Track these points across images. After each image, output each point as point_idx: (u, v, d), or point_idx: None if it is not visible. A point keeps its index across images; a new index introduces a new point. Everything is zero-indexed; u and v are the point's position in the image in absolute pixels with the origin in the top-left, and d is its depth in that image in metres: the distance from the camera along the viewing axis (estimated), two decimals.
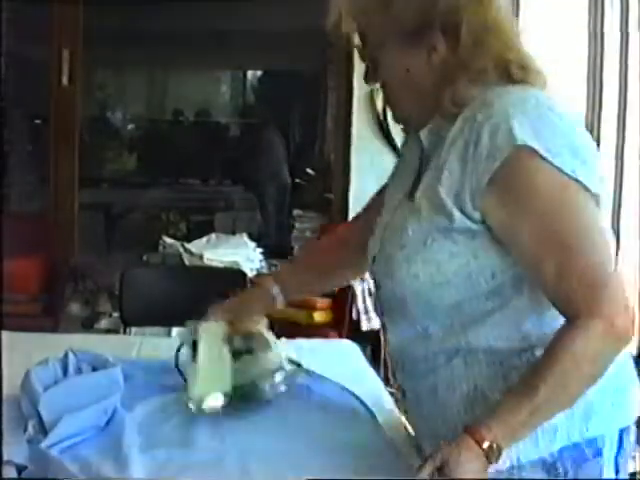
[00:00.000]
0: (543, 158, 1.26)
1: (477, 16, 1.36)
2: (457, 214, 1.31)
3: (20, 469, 1.37)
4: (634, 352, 2.99)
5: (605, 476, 1.38)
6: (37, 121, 5.93)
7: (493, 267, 1.33)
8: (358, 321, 3.86)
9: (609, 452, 1.39)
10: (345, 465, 1.42)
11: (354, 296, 3.89)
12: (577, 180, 1.27)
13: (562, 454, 1.35)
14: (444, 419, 1.39)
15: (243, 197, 8.39)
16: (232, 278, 3.42)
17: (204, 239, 4.31)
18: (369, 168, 4.56)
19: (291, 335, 2.34)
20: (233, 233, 4.94)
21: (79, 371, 1.71)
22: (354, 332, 3.70)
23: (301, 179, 7.99)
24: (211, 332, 1.68)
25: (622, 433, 1.40)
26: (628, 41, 3.43)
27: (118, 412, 1.58)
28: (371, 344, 3.89)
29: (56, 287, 4.48)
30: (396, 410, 1.80)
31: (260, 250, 4.32)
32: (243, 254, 4.19)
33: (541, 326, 1.34)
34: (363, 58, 1.46)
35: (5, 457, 1.35)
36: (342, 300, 3.92)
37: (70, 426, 1.48)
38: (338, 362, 2.06)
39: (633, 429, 1.44)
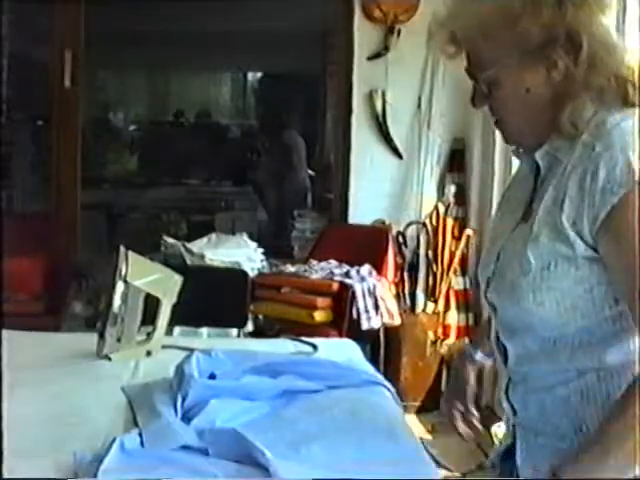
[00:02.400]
0: None
1: (597, 31, 1.34)
2: (578, 241, 1.30)
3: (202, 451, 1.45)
4: None
5: None
6: (39, 122, 5.94)
7: (617, 293, 1.32)
8: (358, 320, 3.88)
9: None
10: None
11: (354, 296, 3.91)
12: None
13: None
14: (574, 424, 1.37)
15: (243, 197, 8.42)
16: (233, 278, 3.45)
17: (205, 239, 4.33)
18: (369, 168, 4.58)
19: (292, 334, 2.37)
20: (233, 233, 4.96)
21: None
22: (354, 331, 3.72)
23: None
24: None
25: None
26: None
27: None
28: (371, 343, 3.92)
29: (59, 286, 4.50)
30: (397, 407, 1.83)
31: (261, 250, 4.34)
32: (244, 254, 4.20)
33: None
34: (473, 78, 1.42)
35: (179, 443, 1.44)
36: (342, 299, 3.94)
37: (217, 412, 1.56)
38: (338, 361, 2.08)
39: None
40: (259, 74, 11.00)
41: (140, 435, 1.51)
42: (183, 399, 1.61)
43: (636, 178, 1.25)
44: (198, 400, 1.61)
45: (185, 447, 1.47)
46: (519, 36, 1.33)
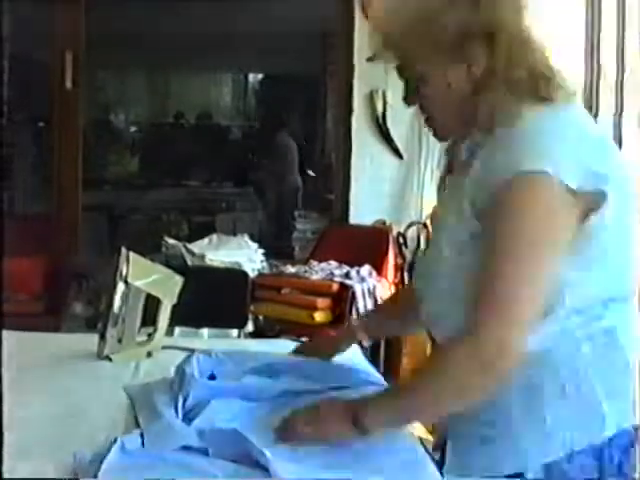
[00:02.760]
0: (547, 181, 1.30)
1: (513, 27, 1.40)
2: (475, 222, 1.37)
3: (202, 451, 1.44)
4: None
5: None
6: (40, 124, 5.96)
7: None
8: None
9: None
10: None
11: (354, 296, 3.91)
12: (573, 191, 1.31)
13: (611, 441, 1.38)
14: (497, 411, 1.41)
15: (244, 198, 8.44)
16: (234, 279, 3.45)
17: (206, 240, 4.34)
18: (369, 169, 4.59)
19: (293, 335, 2.37)
20: (234, 234, 4.97)
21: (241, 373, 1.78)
22: None
23: (302, 180, 8.03)
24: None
25: None
26: (625, 29, 3.41)
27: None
28: (371, 343, 3.92)
29: (59, 287, 4.51)
30: None
31: (262, 251, 4.34)
32: (245, 255, 4.21)
33: (589, 320, 1.37)
34: (403, 78, 1.48)
35: (180, 443, 1.44)
36: (342, 300, 3.95)
37: (217, 412, 1.56)
38: (338, 361, 2.08)
39: None
40: (260, 75, 11.00)
41: (141, 435, 1.51)
42: (184, 399, 1.61)
43: (522, 168, 1.30)
44: (199, 400, 1.61)
45: (185, 447, 1.47)
46: (438, 33, 1.39)
